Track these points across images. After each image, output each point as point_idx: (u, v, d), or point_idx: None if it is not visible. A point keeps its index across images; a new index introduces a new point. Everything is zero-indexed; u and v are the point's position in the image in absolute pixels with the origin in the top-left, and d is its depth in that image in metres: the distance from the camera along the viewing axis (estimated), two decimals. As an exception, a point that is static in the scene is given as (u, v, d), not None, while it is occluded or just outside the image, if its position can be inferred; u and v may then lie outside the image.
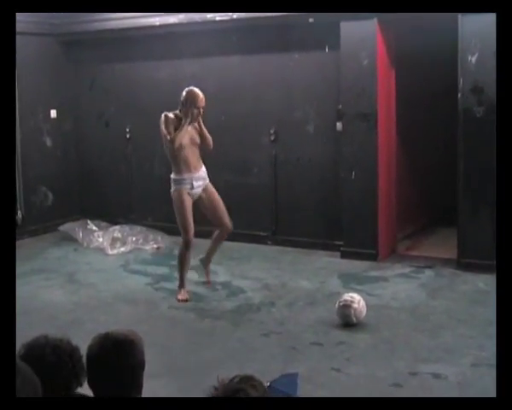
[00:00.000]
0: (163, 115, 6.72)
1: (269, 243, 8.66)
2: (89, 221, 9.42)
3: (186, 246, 6.82)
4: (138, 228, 9.16)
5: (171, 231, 9.16)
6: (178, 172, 6.79)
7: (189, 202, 6.80)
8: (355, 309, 5.95)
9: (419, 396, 4.66)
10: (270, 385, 4.39)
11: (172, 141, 6.65)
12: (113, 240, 8.79)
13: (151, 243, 8.91)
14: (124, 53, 9.68)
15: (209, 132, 8.95)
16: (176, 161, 6.77)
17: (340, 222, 8.12)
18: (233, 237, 8.61)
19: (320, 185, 8.47)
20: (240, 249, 8.35)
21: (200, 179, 6.84)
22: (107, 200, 10.05)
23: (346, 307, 5.96)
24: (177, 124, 6.68)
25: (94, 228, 9.25)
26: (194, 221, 6.87)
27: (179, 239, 9.07)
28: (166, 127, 6.67)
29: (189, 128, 6.73)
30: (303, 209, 8.59)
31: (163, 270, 7.88)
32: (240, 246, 8.43)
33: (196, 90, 6.71)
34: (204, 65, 9.11)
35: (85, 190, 10.26)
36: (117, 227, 9.09)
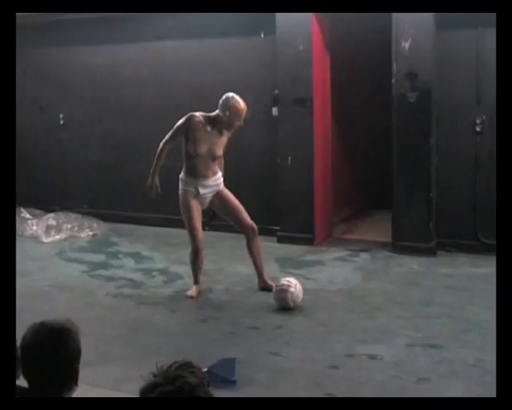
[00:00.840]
0: (187, 117, 6.27)
1: (206, 228, 8.59)
2: (22, 209, 9.25)
3: (195, 253, 6.36)
4: (73, 215, 9.04)
5: (107, 217, 9.09)
6: (185, 172, 6.38)
7: (195, 205, 6.33)
8: (292, 293, 6.00)
9: (355, 377, 4.74)
10: (208, 370, 4.41)
11: (161, 150, 6.38)
12: (48, 228, 8.66)
13: (87, 230, 8.81)
14: (59, 37, 9.51)
15: (146, 117, 8.93)
16: (186, 162, 6.37)
17: (277, 207, 8.16)
18: (170, 224, 8.59)
19: (257, 171, 8.49)
20: (177, 236, 8.30)
21: (207, 187, 6.35)
22: (41, 187, 9.88)
23: (283, 291, 6.01)
24: (203, 128, 6.22)
25: (28, 216, 9.09)
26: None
27: (115, 226, 9.01)
28: (175, 132, 6.34)
29: (215, 139, 6.26)
30: (240, 194, 8.53)
31: (99, 257, 7.80)
32: (177, 232, 8.39)
33: (240, 103, 6.17)
34: (140, 50, 9.03)
35: (18, 177, 10.00)
36: (51, 215, 8.96)
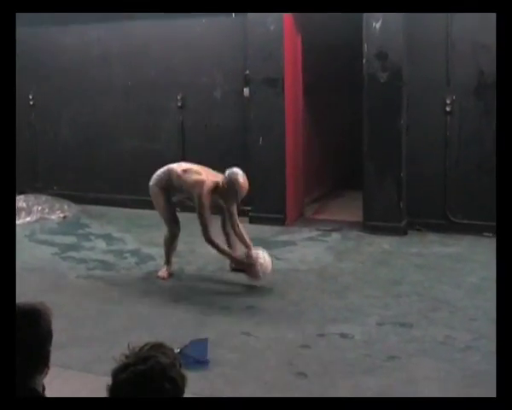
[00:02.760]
0: (204, 195, 6.02)
1: (177, 209, 8.61)
2: (-8, 191, 9.15)
3: (172, 237, 6.43)
4: (44, 197, 8.98)
5: (77, 199, 9.03)
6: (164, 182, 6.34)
7: (166, 197, 6.38)
8: (261, 265, 6.03)
9: (327, 356, 4.78)
10: (180, 351, 4.42)
11: (214, 242, 6.18)
12: (18, 210, 8.57)
13: (57, 212, 8.75)
14: (27, 16, 9.36)
15: (116, 97, 8.88)
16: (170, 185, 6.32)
17: (249, 187, 8.15)
18: (141, 205, 8.57)
19: (228, 151, 8.47)
20: (148, 217, 8.28)
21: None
22: (11, 168, 9.78)
23: (253, 264, 6.04)
24: (208, 195, 6.07)
25: (-3, 198, 9.00)
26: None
27: (86, 208, 8.95)
28: (206, 204, 6.06)
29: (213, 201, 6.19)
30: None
31: (70, 239, 7.76)
32: (148, 213, 8.35)
33: (242, 182, 6.00)
34: (109, 29, 8.94)
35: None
36: (22, 197, 8.88)
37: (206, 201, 6.05)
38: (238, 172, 6.05)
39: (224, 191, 6.09)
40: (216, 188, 6.10)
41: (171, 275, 6.45)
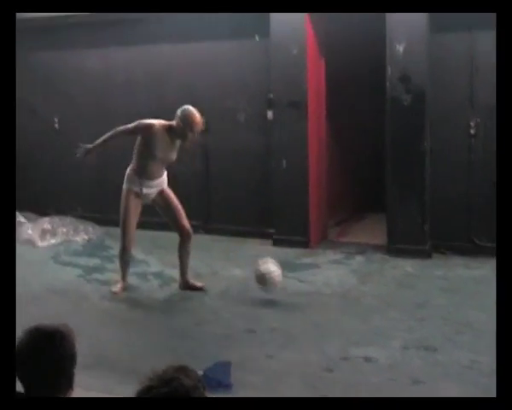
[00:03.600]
0: (149, 124, 6.30)
1: (201, 231, 8.64)
2: (17, 213, 9.22)
3: (123, 250, 6.51)
4: (68, 219, 9.03)
5: (101, 221, 9.08)
6: (134, 170, 6.42)
7: (135, 204, 6.40)
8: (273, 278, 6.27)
9: (351, 380, 4.75)
10: (203, 374, 4.41)
11: (115, 135, 6.46)
12: (43, 232, 8.64)
13: (81, 233, 8.80)
14: (52, 40, 9.50)
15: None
16: (137, 161, 6.41)
17: (272, 210, 8.17)
18: (164, 227, 8.59)
19: (252, 174, 8.50)
20: (171, 238, 8.27)
21: (152, 187, 6.43)
22: (36, 191, 9.87)
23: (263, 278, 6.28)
24: (162, 137, 6.26)
25: (23, 220, 9.07)
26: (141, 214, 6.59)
27: (110, 230, 8.99)
28: (136, 129, 6.34)
29: (172, 146, 6.35)
30: (235, 198, 8.61)
31: (94, 261, 7.80)
32: (171, 235, 8.35)
33: (194, 116, 6.19)
34: (133, 53, 9.02)
35: (13, 181, 10.04)
36: (46, 219, 8.95)
37: (156, 135, 6.22)
38: (190, 108, 6.23)
39: (180, 129, 6.21)
40: (170, 128, 6.26)
41: (125, 290, 6.60)
